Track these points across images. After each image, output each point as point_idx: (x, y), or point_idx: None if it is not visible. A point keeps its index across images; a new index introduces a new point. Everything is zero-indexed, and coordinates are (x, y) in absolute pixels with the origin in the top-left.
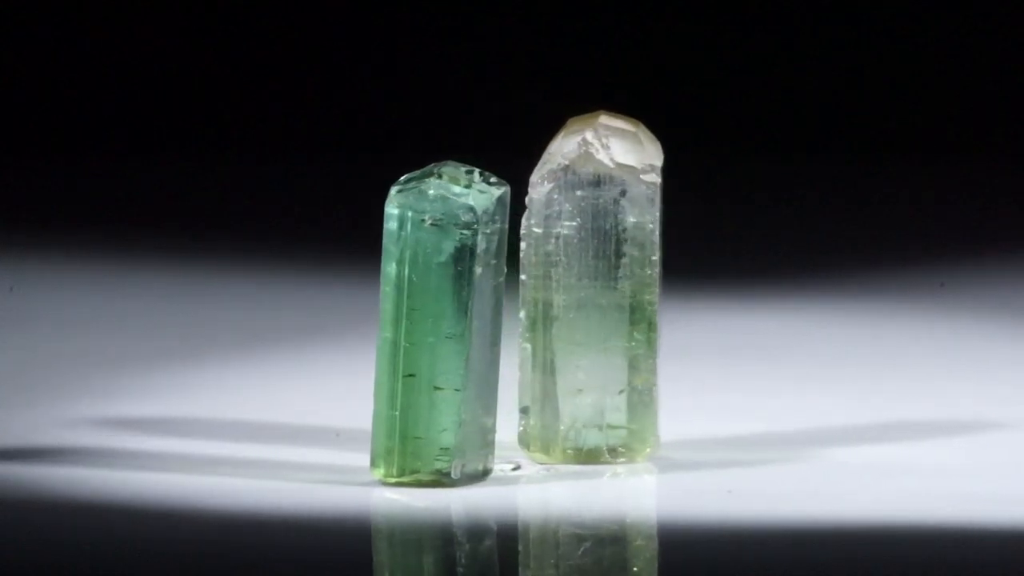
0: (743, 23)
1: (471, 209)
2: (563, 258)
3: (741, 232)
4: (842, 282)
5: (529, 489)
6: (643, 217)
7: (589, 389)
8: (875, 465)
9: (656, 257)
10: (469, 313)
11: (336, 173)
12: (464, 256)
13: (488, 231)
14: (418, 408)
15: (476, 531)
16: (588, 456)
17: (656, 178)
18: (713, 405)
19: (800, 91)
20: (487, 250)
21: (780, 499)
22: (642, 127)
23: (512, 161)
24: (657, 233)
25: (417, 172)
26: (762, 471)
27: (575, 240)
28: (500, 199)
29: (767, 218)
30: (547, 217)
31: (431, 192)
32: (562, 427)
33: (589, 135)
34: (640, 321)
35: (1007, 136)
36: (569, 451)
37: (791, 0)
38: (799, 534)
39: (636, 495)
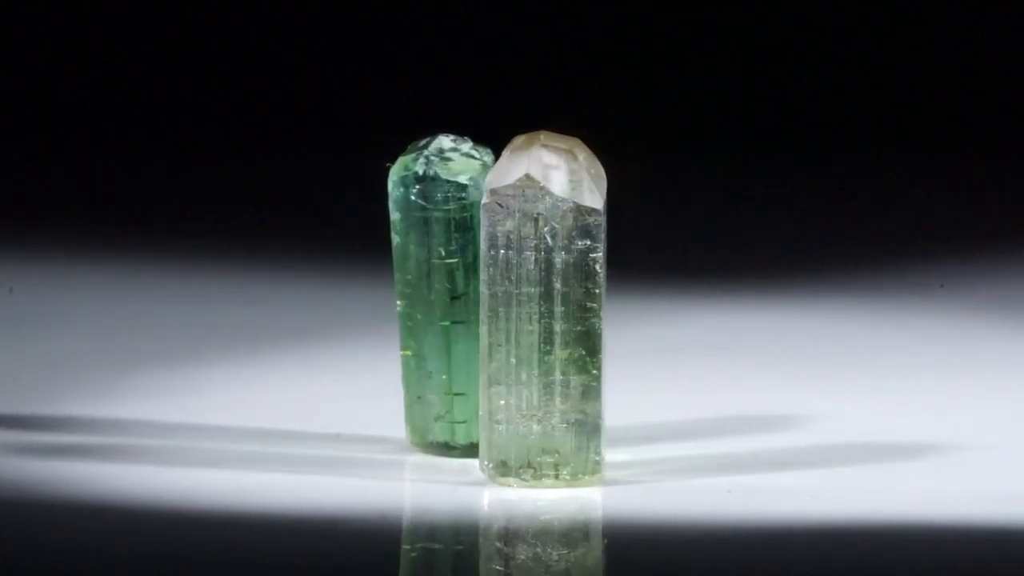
0: (743, 18)
1: (391, 174)
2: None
3: (739, 231)
4: (841, 282)
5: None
6: (483, 233)
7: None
8: (874, 464)
9: (480, 280)
10: (396, 280)
11: (336, 170)
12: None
13: (411, 201)
14: None
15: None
16: (505, 473)
17: (486, 199)
18: (713, 404)
19: (799, 88)
20: (408, 221)
21: (779, 499)
22: (570, 149)
23: None
24: (484, 253)
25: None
26: (760, 471)
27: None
28: (422, 172)
29: (765, 217)
30: None
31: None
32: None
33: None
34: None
35: (1007, 134)
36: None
37: None
38: (798, 534)
39: (629, 497)
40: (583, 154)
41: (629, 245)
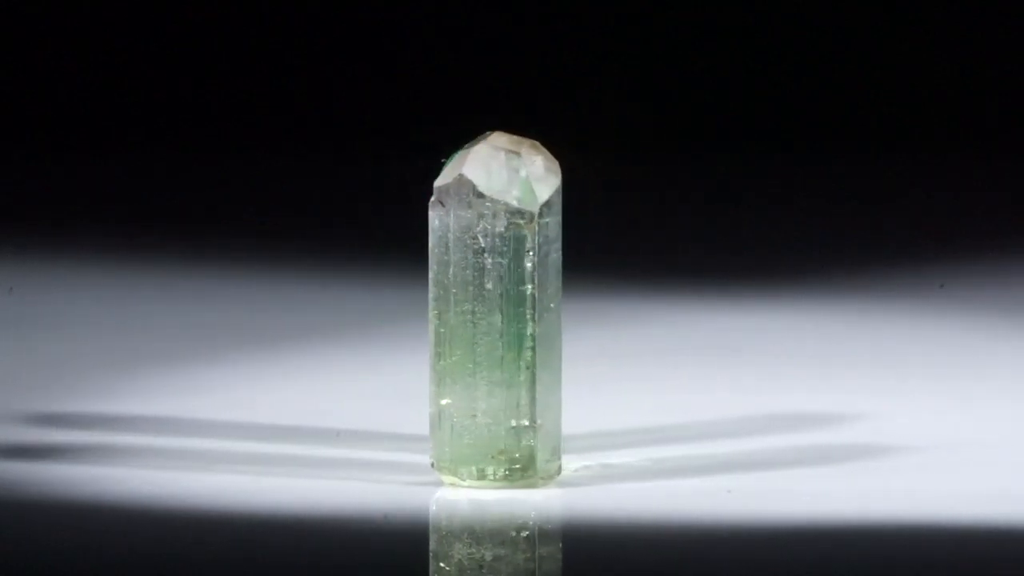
0: (742, 18)
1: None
2: None
3: (739, 232)
4: (841, 282)
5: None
6: (430, 231)
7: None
8: (873, 464)
9: (432, 276)
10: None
11: (333, 171)
12: None
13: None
14: None
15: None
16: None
17: (435, 199)
18: (714, 404)
19: (799, 88)
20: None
21: (780, 499)
22: (514, 150)
23: None
24: (430, 250)
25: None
26: (760, 471)
27: None
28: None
29: (765, 217)
30: None
31: None
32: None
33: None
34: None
35: (1008, 134)
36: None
37: None
38: (798, 534)
39: (629, 496)
40: (533, 156)
41: (628, 245)
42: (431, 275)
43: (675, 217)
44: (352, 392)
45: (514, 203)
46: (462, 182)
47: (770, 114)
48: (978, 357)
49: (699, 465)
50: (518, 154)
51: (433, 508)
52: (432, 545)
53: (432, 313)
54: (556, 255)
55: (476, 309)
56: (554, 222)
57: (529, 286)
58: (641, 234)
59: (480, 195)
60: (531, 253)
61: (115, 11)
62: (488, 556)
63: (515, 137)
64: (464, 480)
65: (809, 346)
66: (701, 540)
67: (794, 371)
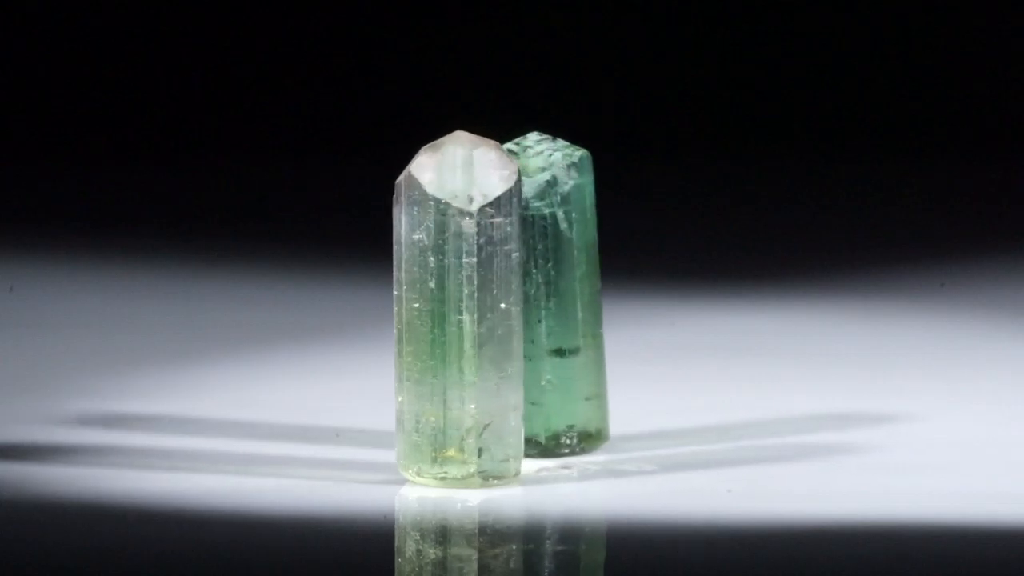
0: (744, 18)
1: None
2: None
3: (740, 232)
4: (841, 282)
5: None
6: (393, 234)
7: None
8: (874, 464)
9: (394, 273)
10: None
11: (333, 172)
12: None
13: None
14: None
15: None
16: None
17: (395, 196)
18: (715, 404)
19: (801, 89)
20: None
21: (780, 499)
22: (468, 150)
23: None
24: (396, 249)
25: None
26: (761, 470)
27: None
28: None
29: (766, 218)
30: None
31: None
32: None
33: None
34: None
35: (1008, 135)
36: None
37: None
38: (798, 534)
39: (633, 494)
40: (488, 156)
41: (633, 246)
42: (394, 272)
43: (681, 218)
44: (353, 391)
45: (457, 202)
46: (409, 180)
47: (771, 115)
48: (978, 357)
49: (698, 464)
50: (470, 154)
51: (391, 507)
52: (380, 543)
53: (394, 310)
54: (506, 256)
55: (422, 307)
56: (507, 222)
57: (469, 287)
58: (645, 235)
59: (425, 193)
60: (472, 252)
61: (111, 15)
62: (431, 556)
63: (476, 137)
64: (415, 478)
65: (807, 347)
66: (699, 540)
67: (793, 371)
